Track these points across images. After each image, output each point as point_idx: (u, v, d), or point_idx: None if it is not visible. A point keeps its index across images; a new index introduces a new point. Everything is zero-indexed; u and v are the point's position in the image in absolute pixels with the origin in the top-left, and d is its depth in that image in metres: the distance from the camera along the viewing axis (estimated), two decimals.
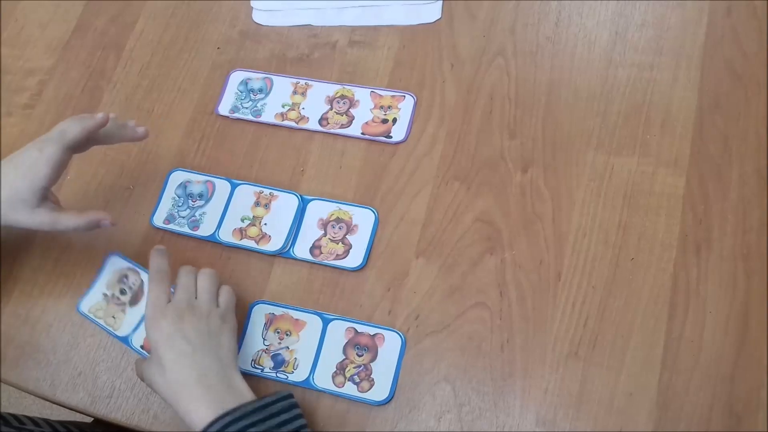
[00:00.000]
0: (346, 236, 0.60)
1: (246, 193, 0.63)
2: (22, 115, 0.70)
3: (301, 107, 0.67)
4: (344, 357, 0.56)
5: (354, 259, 0.59)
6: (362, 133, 0.64)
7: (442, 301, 0.57)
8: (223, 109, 0.68)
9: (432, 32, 0.68)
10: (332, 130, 0.65)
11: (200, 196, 0.64)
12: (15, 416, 0.58)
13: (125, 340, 0.58)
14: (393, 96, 0.66)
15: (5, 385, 0.60)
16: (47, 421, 0.60)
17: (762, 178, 0.57)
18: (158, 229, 0.63)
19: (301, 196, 0.62)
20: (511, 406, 0.53)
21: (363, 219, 0.61)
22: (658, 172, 0.59)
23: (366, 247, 0.59)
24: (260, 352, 0.57)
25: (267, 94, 0.68)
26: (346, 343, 0.56)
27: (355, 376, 0.55)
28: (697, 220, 0.57)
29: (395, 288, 0.58)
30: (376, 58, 0.68)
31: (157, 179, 0.65)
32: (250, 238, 0.61)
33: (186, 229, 0.62)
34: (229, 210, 0.63)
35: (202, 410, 0.47)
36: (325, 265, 0.59)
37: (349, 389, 0.55)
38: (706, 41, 0.63)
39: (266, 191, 0.63)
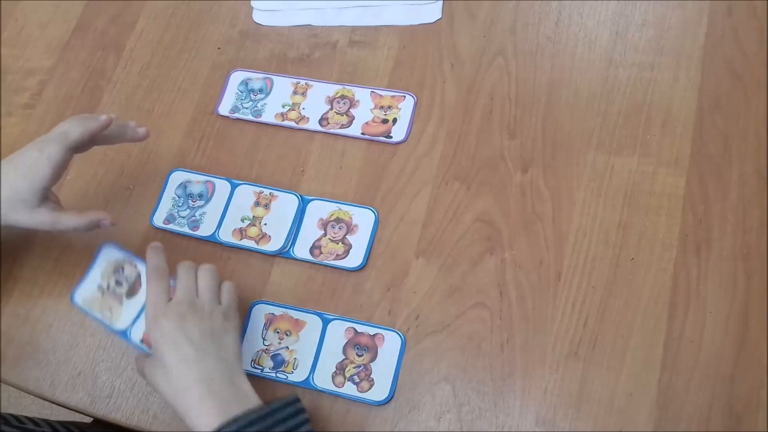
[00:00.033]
0: (346, 236, 0.60)
1: (246, 193, 0.63)
2: (23, 115, 0.71)
3: (301, 107, 0.67)
4: (344, 357, 0.56)
5: (354, 259, 0.59)
6: (362, 133, 0.64)
7: (442, 301, 0.57)
8: (224, 109, 0.68)
9: (432, 32, 0.68)
10: (332, 130, 0.65)
11: (200, 196, 0.64)
12: (15, 416, 0.58)
13: (124, 334, 0.56)
14: (393, 96, 0.66)
15: (5, 385, 0.60)
16: (47, 422, 0.60)
17: (762, 178, 0.57)
18: (158, 229, 0.63)
19: (301, 196, 0.62)
20: (510, 406, 0.53)
21: (363, 219, 0.61)
22: (658, 172, 0.59)
23: (366, 247, 0.59)
24: (260, 352, 0.57)
25: (267, 94, 0.68)
26: (346, 343, 0.56)
27: (355, 376, 0.55)
28: (697, 220, 0.57)
29: (395, 288, 0.58)
30: (376, 58, 0.68)
31: (157, 179, 0.65)
32: (250, 238, 0.61)
33: (186, 229, 0.62)
34: (229, 210, 0.63)
35: (206, 417, 0.46)
36: (325, 265, 0.59)
37: (349, 389, 0.55)
38: (707, 41, 0.63)
39: (266, 191, 0.63)
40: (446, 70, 0.66)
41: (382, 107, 0.65)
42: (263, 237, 0.61)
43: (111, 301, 0.57)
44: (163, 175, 0.65)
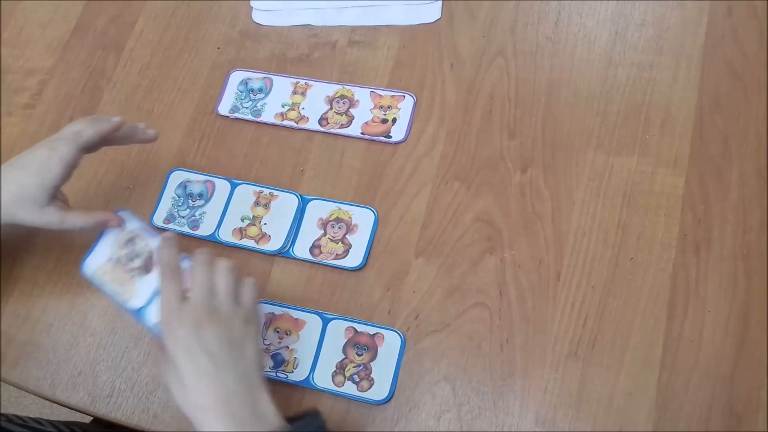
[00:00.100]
0: (346, 236, 0.60)
1: (246, 193, 0.63)
2: (23, 115, 0.71)
3: (300, 107, 0.67)
4: (344, 356, 0.56)
5: (354, 259, 0.59)
6: (362, 133, 0.64)
7: (441, 300, 0.57)
8: (223, 109, 0.68)
9: (432, 32, 0.68)
10: (332, 130, 0.65)
11: (200, 195, 0.64)
12: (18, 416, 0.58)
13: (138, 313, 0.52)
14: (393, 96, 0.66)
15: (5, 385, 0.60)
16: (50, 422, 0.61)
17: (762, 178, 0.57)
18: (158, 228, 0.63)
19: (300, 195, 0.62)
20: (510, 406, 0.53)
21: (363, 219, 0.61)
22: (657, 172, 0.59)
23: (366, 246, 0.59)
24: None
25: (267, 94, 0.68)
26: (346, 342, 0.56)
27: (355, 376, 0.55)
28: (697, 219, 0.57)
29: (395, 288, 0.58)
30: (376, 58, 0.68)
31: (157, 179, 0.65)
32: (250, 237, 0.61)
33: (186, 229, 0.62)
34: (229, 210, 0.63)
35: None
36: (325, 265, 0.59)
37: (349, 389, 0.55)
38: (706, 41, 0.63)
39: (266, 191, 0.63)
40: (446, 70, 0.66)
41: (381, 107, 0.65)
42: (263, 237, 0.61)
43: (123, 276, 0.53)
44: (163, 174, 0.65)
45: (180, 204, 0.64)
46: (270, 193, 0.63)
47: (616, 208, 0.58)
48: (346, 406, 0.55)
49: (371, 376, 0.55)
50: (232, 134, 0.67)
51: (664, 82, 0.62)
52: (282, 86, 0.68)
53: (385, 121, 0.65)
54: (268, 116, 0.67)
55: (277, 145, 0.66)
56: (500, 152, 0.62)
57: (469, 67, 0.66)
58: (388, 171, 0.63)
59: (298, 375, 0.56)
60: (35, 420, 0.59)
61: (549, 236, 0.58)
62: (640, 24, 0.65)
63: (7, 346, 0.60)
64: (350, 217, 0.61)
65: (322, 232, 0.61)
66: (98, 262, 0.54)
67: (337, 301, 0.58)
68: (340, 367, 0.56)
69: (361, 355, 0.56)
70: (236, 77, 0.69)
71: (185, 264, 0.50)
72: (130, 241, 0.54)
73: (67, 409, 0.60)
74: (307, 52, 0.70)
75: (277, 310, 0.58)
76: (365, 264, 0.59)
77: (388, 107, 0.65)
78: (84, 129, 0.55)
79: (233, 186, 0.64)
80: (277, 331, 0.58)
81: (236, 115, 0.67)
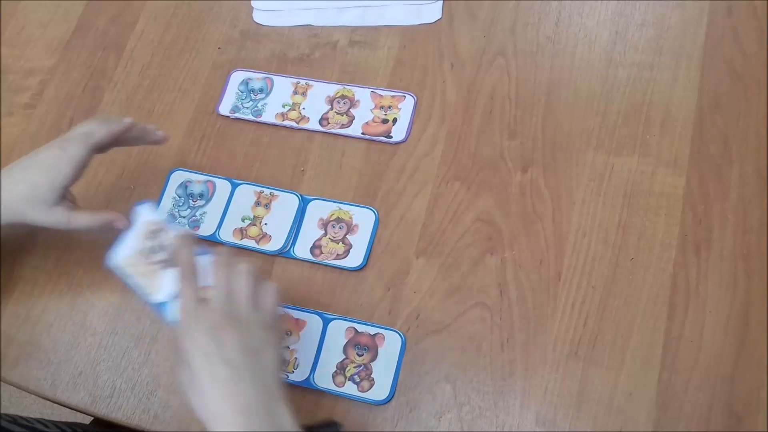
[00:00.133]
0: (347, 236, 0.60)
1: (246, 193, 0.63)
2: (23, 115, 0.71)
3: (301, 107, 0.67)
4: (344, 357, 0.56)
5: (354, 259, 0.59)
6: (362, 133, 0.64)
7: (442, 300, 0.57)
8: (224, 109, 0.68)
9: (432, 32, 0.68)
10: (332, 130, 0.65)
11: (201, 195, 0.64)
12: (22, 417, 0.58)
13: (160, 307, 0.51)
14: (393, 96, 0.66)
15: (6, 385, 0.60)
16: (54, 423, 0.61)
17: (762, 178, 0.57)
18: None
19: (301, 195, 0.62)
20: (511, 406, 0.53)
21: (363, 219, 0.61)
22: (657, 172, 0.59)
23: (366, 246, 0.59)
24: None
25: (267, 94, 0.68)
26: (347, 342, 0.56)
27: (356, 376, 0.55)
28: (697, 220, 0.57)
29: (395, 288, 0.58)
30: (376, 58, 0.68)
31: (157, 179, 0.65)
32: (251, 237, 0.61)
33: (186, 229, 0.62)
34: (229, 210, 0.63)
35: None
36: (326, 265, 0.59)
37: (350, 389, 0.55)
38: (706, 41, 0.63)
39: (267, 191, 0.63)
40: (446, 70, 0.66)
41: (382, 107, 0.65)
42: (264, 237, 0.61)
43: (147, 269, 0.52)
44: (164, 174, 0.65)
45: (181, 204, 0.64)
46: (271, 193, 0.63)
47: (616, 208, 0.58)
48: (346, 406, 0.55)
49: (372, 376, 0.55)
50: (233, 134, 0.67)
51: (665, 82, 0.62)
52: (283, 86, 0.68)
53: (385, 121, 0.65)
54: (268, 116, 0.67)
55: (277, 145, 0.66)
56: (500, 152, 0.62)
57: (469, 67, 0.66)
58: (388, 171, 0.63)
59: (298, 375, 0.56)
60: (39, 421, 0.59)
61: (549, 236, 0.58)
62: (641, 24, 0.65)
63: (7, 347, 0.60)
64: (351, 217, 0.61)
65: (323, 232, 0.61)
66: (124, 254, 0.52)
67: (337, 302, 0.58)
68: (341, 368, 0.56)
69: (362, 355, 0.56)
70: (237, 77, 0.69)
71: (206, 260, 0.49)
72: (156, 233, 0.53)
73: (67, 409, 0.60)
74: (308, 52, 0.70)
75: (278, 311, 0.58)
76: (366, 264, 0.59)
77: (389, 107, 0.65)
78: (95, 129, 0.54)
79: (234, 186, 0.64)
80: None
81: (237, 115, 0.67)
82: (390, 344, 0.56)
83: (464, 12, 0.68)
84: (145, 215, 0.53)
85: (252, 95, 0.68)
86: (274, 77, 0.69)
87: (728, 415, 0.51)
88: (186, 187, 0.65)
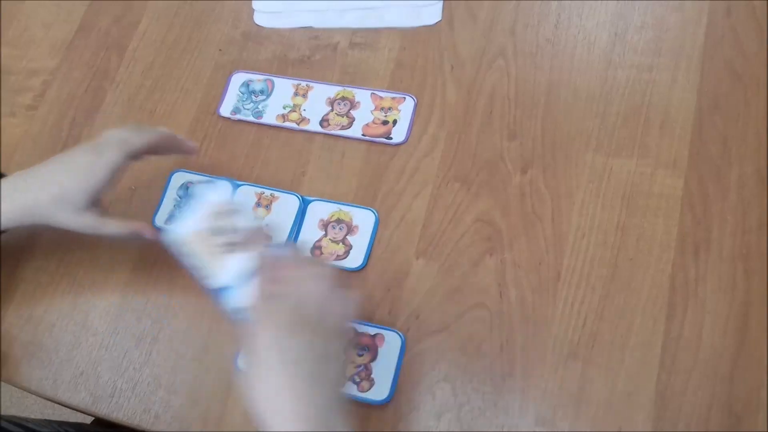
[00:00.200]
0: (347, 237, 0.60)
1: (247, 194, 0.64)
2: (26, 116, 0.71)
3: (302, 109, 0.67)
4: (344, 357, 0.56)
5: (354, 260, 0.59)
6: (363, 135, 0.65)
7: (442, 301, 0.57)
8: (225, 110, 0.68)
9: (432, 34, 0.68)
10: (333, 132, 0.65)
11: None
12: (24, 418, 0.58)
13: (218, 293, 0.48)
14: (393, 97, 0.66)
15: (7, 385, 0.61)
16: (59, 423, 0.61)
17: (761, 179, 0.57)
18: (160, 229, 0.63)
19: (301, 196, 0.63)
20: (510, 406, 0.53)
21: (363, 220, 0.61)
22: (657, 173, 0.59)
23: (366, 247, 0.60)
24: None
25: (268, 96, 0.68)
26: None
27: (355, 376, 0.55)
28: (696, 220, 0.57)
29: (395, 288, 0.58)
30: (377, 59, 0.68)
31: (159, 180, 0.66)
32: None
33: None
34: None
35: None
36: None
37: (349, 389, 0.55)
38: (706, 42, 0.63)
39: (267, 192, 0.63)
40: (446, 72, 0.66)
41: (382, 108, 0.65)
42: None
43: (209, 249, 0.49)
44: (165, 175, 0.66)
45: (182, 205, 0.64)
46: (271, 194, 0.63)
47: (615, 209, 0.58)
48: None
49: (372, 376, 0.55)
50: (234, 136, 0.67)
51: (664, 83, 0.62)
52: (283, 88, 0.68)
53: (385, 122, 0.65)
54: (269, 118, 0.67)
55: (278, 146, 0.66)
56: (500, 153, 0.62)
57: (469, 69, 0.66)
58: (388, 172, 0.63)
59: None
60: (41, 422, 0.59)
61: (549, 237, 0.58)
62: (640, 26, 0.65)
63: (9, 347, 0.61)
64: (351, 218, 0.61)
65: (323, 233, 0.61)
66: (186, 229, 0.50)
67: None
68: None
69: (362, 355, 0.56)
70: (238, 79, 0.69)
71: (279, 254, 0.47)
72: (224, 215, 0.50)
73: (68, 409, 0.60)
74: (309, 54, 0.70)
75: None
76: (366, 265, 0.59)
77: (389, 109, 0.65)
78: (129, 137, 0.54)
79: (234, 187, 0.64)
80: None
81: (238, 116, 0.67)
82: (390, 344, 0.56)
83: (464, 13, 0.69)
84: (215, 194, 0.51)
85: (253, 97, 0.68)
86: (274, 79, 0.69)
87: (728, 415, 0.51)
88: (187, 188, 0.65)
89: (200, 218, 0.50)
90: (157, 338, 0.59)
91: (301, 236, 0.61)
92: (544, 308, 0.56)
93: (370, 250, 0.60)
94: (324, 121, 0.66)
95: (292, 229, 0.61)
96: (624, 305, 0.55)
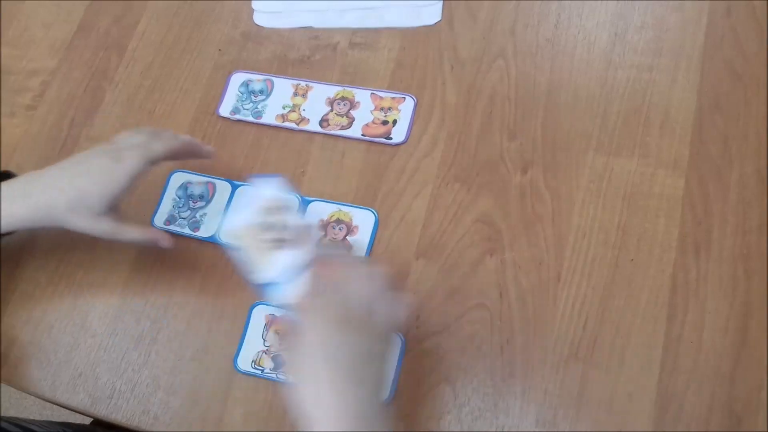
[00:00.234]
0: (347, 237, 0.60)
1: (247, 194, 0.63)
2: (25, 116, 0.71)
3: (301, 109, 0.67)
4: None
5: None
6: (362, 135, 0.64)
7: (442, 302, 0.57)
8: (224, 110, 0.68)
9: (432, 34, 0.68)
10: (333, 132, 0.65)
11: (201, 197, 0.64)
12: (24, 420, 0.58)
13: (262, 287, 0.49)
14: (393, 97, 0.66)
15: (6, 386, 0.60)
16: (62, 424, 0.61)
17: (762, 179, 0.57)
18: (159, 230, 0.63)
19: (301, 197, 0.62)
20: (511, 407, 0.53)
21: (363, 220, 0.61)
22: (657, 173, 0.59)
23: (366, 248, 0.59)
24: (261, 353, 0.57)
25: (268, 96, 0.68)
26: None
27: None
28: (697, 221, 0.57)
29: (395, 289, 0.58)
30: (376, 59, 0.68)
31: (158, 180, 0.65)
32: None
33: (187, 230, 0.63)
34: (229, 211, 0.63)
35: None
36: None
37: None
38: (706, 42, 0.63)
39: None
40: (446, 72, 0.66)
41: (382, 109, 0.65)
42: None
43: (257, 244, 0.49)
44: (165, 175, 0.65)
45: (181, 205, 0.64)
46: None
47: (616, 209, 0.58)
48: None
49: None
50: (233, 136, 0.67)
51: (664, 83, 0.62)
52: (283, 88, 0.68)
53: (385, 122, 0.65)
54: (268, 118, 0.67)
55: (277, 146, 0.66)
56: (500, 153, 0.62)
57: (469, 69, 0.66)
58: (388, 172, 0.63)
59: None
60: (42, 423, 0.59)
61: (549, 237, 0.58)
62: (640, 26, 0.65)
63: (8, 348, 0.61)
64: (351, 219, 0.61)
65: (323, 233, 0.61)
66: (236, 223, 0.50)
67: None
68: None
69: None
70: (237, 79, 0.69)
71: (334, 251, 0.48)
72: (274, 210, 0.50)
73: (67, 410, 0.60)
74: (308, 54, 0.70)
75: (278, 312, 0.58)
76: None
77: (389, 109, 0.65)
78: (152, 143, 0.54)
79: (234, 187, 0.64)
80: (278, 333, 0.58)
81: (237, 116, 0.67)
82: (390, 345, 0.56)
83: (464, 14, 0.69)
84: (268, 190, 0.51)
85: (252, 97, 0.68)
86: (274, 79, 0.69)
87: (728, 416, 0.51)
88: (186, 188, 0.65)
89: (251, 213, 0.50)
90: (156, 339, 0.59)
91: None
92: (545, 309, 0.56)
93: (370, 251, 0.60)
94: (324, 121, 0.66)
95: None
96: (624, 306, 0.55)
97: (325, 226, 0.61)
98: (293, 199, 0.50)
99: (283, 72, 0.69)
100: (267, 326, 0.58)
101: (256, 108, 0.67)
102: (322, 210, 0.62)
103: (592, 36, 0.65)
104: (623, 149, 0.60)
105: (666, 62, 0.63)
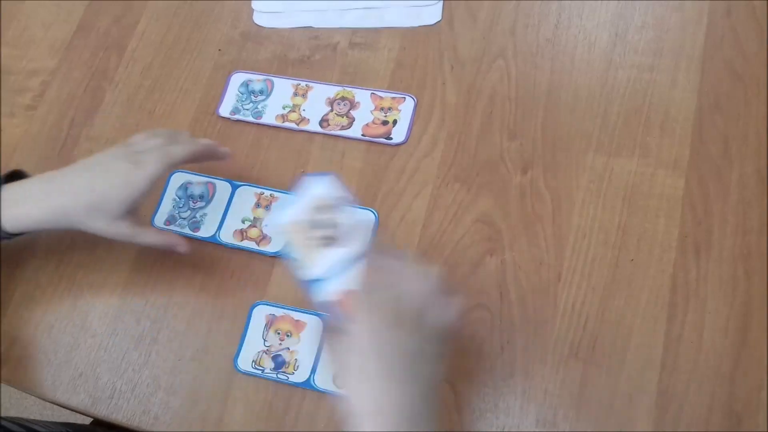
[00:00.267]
0: None
1: (247, 195, 0.63)
2: (25, 116, 0.71)
3: (301, 109, 0.67)
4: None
5: None
6: (362, 135, 0.64)
7: None
8: (224, 110, 0.68)
9: (432, 34, 0.68)
10: (333, 132, 0.65)
11: (201, 197, 0.64)
12: (26, 420, 0.58)
13: (310, 284, 0.48)
14: (393, 97, 0.66)
15: (6, 386, 0.60)
16: (65, 424, 0.61)
17: (762, 179, 0.57)
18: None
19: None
20: (511, 407, 0.53)
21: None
22: (657, 174, 0.59)
23: None
24: (261, 353, 0.57)
25: (268, 96, 0.68)
26: None
27: None
28: (697, 221, 0.57)
29: None
30: (376, 59, 0.68)
31: (158, 180, 0.65)
32: (251, 239, 0.61)
33: (187, 231, 0.63)
34: (229, 211, 0.63)
35: None
36: None
37: None
38: (706, 42, 0.63)
39: (267, 192, 0.63)
40: (446, 72, 0.66)
41: (382, 109, 0.65)
42: (264, 238, 0.61)
43: (306, 241, 0.49)
44: (164, 175, 0.65)
45: (181, 205, 0.64)
46: (271, 195, 0.63)
47: (616, 209, 0.58)
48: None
49: None
50: (233, 136, 0.67)
51: (664, 83, 0.62)
52: (283, 88, 0.68)
53: (385, 122, 0.65)
54: (268, 118, 0.67)
55: (277, 146, 0.66)
56: (500, 153, 0.62)
57: (469, 69, 0.66)
58: (388, 172, 0.63)
59: (299, 377, 0.56)
60: (43, 423, 0.59)
61: (549, 237, 0.58)
62: (640, 26, 0.65)
63: (8, 348, 0.61)
64: None
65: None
66: (286, 220, 0.50)
67: None
68: None
69: None
70: (237, 79, 0.69)
71: (388, 250, 0.48)
72: (325, 209, 0.50)
73: (67, 410, 0.60)
74: (308, 54, 0.70)
75: (278, 312, 0.58)
76: None
77: (389, 109, 0.65)
78: (172, 148, 0.54)
79: (234, 187, 0.64)
80: (278, 333, 0.58)
81: (237, 116, 0.67)
82: None
83: (464, 14, 0.69)
84: (320, 188, 0.51)
85: (252, 97, 0.68)
86: (274, 79, 0.69)
87: (728, 416, 0.51)
88: (186, 188, 0.65)
89: (302, 210, 0.50)
90: (156, 339, 0.59)
91: None
92: (545, 309, 0.56)
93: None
94: (324, 122, 0.66)
95: None
96: (625, 306, 0.55)
97: None
98: (346, 198, 0.50)
99: (283, 72, 0.69)
100: (267, 326, 0.58)
101: (256, 108, 0.67)
102: None
103: (593, 36, 0.65)
104: (623, 149, 0.60)
105: (666, 62, 0.63)
